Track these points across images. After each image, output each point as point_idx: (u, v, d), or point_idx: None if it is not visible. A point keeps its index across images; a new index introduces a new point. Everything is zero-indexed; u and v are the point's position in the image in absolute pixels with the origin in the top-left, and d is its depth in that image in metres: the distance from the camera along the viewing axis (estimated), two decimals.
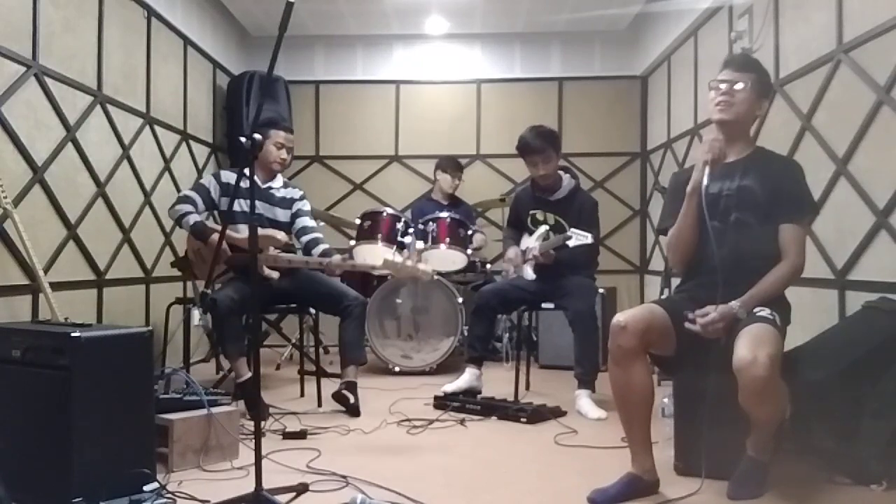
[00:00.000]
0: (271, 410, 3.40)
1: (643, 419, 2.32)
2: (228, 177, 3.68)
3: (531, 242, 3.87)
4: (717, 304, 2.23)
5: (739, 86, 2.39)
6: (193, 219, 3.52)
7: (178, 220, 3.56)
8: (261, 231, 3.49)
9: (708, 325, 2.23)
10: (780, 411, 2.24)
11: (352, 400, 3.46)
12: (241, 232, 3.52)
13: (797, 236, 2.36)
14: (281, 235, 3.53)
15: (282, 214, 3.72)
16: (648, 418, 2.33)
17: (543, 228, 3.86)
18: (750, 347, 2.09)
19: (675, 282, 2.79)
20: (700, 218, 2.33)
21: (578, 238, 3.42)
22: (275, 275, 3.49)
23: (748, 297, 2.27)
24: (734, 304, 2.25)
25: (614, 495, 2.24)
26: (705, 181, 2.27)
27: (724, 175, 2.44)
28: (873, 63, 3.01)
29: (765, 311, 2.25)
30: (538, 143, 3.77)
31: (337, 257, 3.44)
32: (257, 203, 3.43)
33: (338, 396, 3.50)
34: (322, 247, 3.63)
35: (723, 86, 2.42)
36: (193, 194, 3.60)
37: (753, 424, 2.24)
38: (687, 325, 2.27)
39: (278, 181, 3.78)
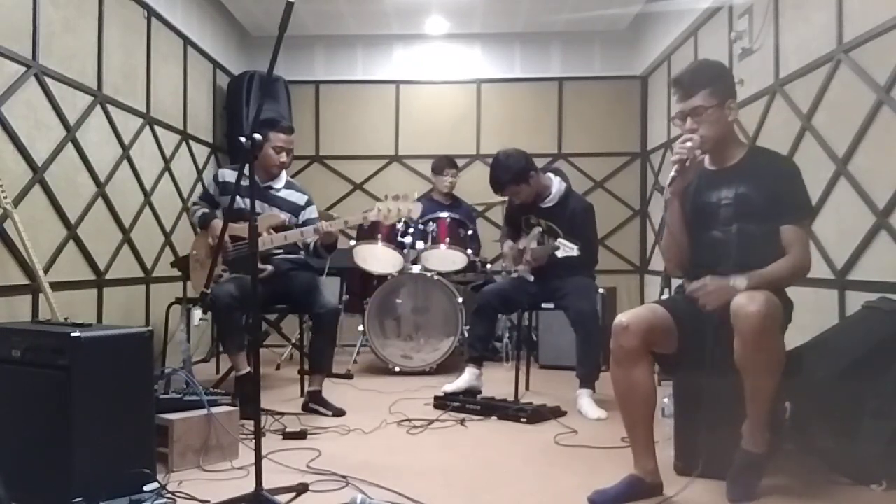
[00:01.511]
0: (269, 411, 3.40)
1: (645, 420, 2.31)
2: (225, 175, 3.76)
3: (526, 244, 3.88)
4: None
5: (701, 107, 2.33)
6: (202, 212, 3.75)
7: (197, 221, 3.80)
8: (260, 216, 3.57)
9: (699, 291, 2.24)
10: (775, 371, 2.16)
11: (322, 410, 3.45)
12: (240, 222, 3.53)
13: (799, 236, 2.33)
14: (284, 215, 3.58)
15: (280, 215, 3.70)
16: (651, 419, 2.32)
17: (537, 230, 3.87)
18: (749, 293, 2.12)
19: (676, 282, 2.79)
20: (684, 219, 2.38)
21: (565, 250, 3.49)
22: (268, 268, 3.49)
23: (751, 273, 2.22)
24: (732, 277, 2.22)
25: (614, 496, 2.23)
26: (672, 174, 2.31)
27: (720, 183, 2.41)
28: (873, 63, 3.01)
29: None
30: (499, 182, 3.78)
31: (324, 223, 3.40)
32: (256, 203, 3.44)
33: (307, 409, 3.49)
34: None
35: (686, 123, 2.36)
36: (201, 202, 3.85)
37: (749, 391, 2.17)
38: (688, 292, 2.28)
39: (280, 181, 3.75)
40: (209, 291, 3.47)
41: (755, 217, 2.34)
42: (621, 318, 2.30)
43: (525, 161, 3.77)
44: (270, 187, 3.71)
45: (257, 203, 3.50)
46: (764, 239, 2.34)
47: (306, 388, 3.59)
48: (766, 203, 2.33)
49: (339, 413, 3.44)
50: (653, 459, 2.31)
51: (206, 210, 3.77)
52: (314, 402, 3.49)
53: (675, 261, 2.50)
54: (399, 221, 3.30)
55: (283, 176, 3.78)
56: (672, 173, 2.33)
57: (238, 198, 3.44)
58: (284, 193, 3.73)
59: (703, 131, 2.34)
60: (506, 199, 4.21)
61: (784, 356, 2.17)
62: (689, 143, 2.31)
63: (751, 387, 2.18)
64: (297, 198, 3.75)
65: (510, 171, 3.73)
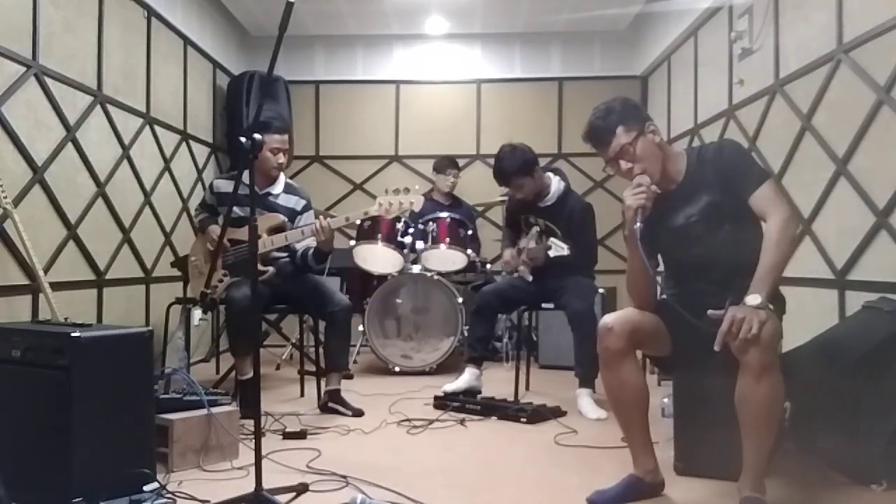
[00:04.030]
0: (270, 410, 3.40)
1: (640, 420, 2.29)
2: (220, 186, 3.74)
3: (526, 243, 3.88)
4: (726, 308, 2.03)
5: (625, 145, 2.26)
6: (202, 216, 3.80)
7: (197, 225, 3.88)
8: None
9: (732, 329, 1.96)
10: (778, 407, 2.07)
11: (342, 410, 3.46)
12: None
13: (767, 195, 2.19)
14: (281, 217, 3.55)
15: (279, 216, 3.67)
16: (645, 419, 2.30)
17: (535, 230, 3.88)
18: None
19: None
20: (643, 259, 2.20)
21: (556, 249, 3.51)
22: (269, 269, 3.49)
23: (758, 281, 2.04)
24: (747, 299, 2.01)
25: (613, 497, 2.23)
26: (638, 224, 2.17)
27: (680, 203, 2.33)
28: (873, 63, 3.01)
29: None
30: (506, 174, 3.76)
31: (322, 219, 3.35)
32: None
33: (327, 410, 3.49)
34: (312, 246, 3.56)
35: (621, 166, 2.29)
36: (201, 209, 3.88)
37: (749, 436, 2.06)
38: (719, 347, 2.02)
39: (278, 186, 3.69)
40: (209, 292, 3.48)
41: (729, 216, 2.29)
42: (606, 319, 2.27)
43: (531, 154, 3.79)
44: (269, 194, 3.65)
45: (256, 210, 3.53)
46: (746, 230, 2.28)
47: (324, 388, 3.58)
48: (729, 195, 2.27)
49: (358, 413, 3.43)
50: (652, 458, 2.30)
51: (206, 215, 3.80)
52: (334, 402, 3.48)
53: (639, 295, 2.36)
54: (404, 214, 3.30)
55: (282, 180, 3.73)
56: (638, 223, 2.17)
57: (236, 207, 3.42)
58: (283, 199, 3.68)
59: (643, 165, 2.25)
60: (505, 198, 4.21)
61: (783, 395, 2.05)
62: (643, 189, 2.20)
63: (750, 428, 2.05)
64: (295, 202, 3.69)
65: (516, 162, 3.74)
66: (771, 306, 2.10)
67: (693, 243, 2.32)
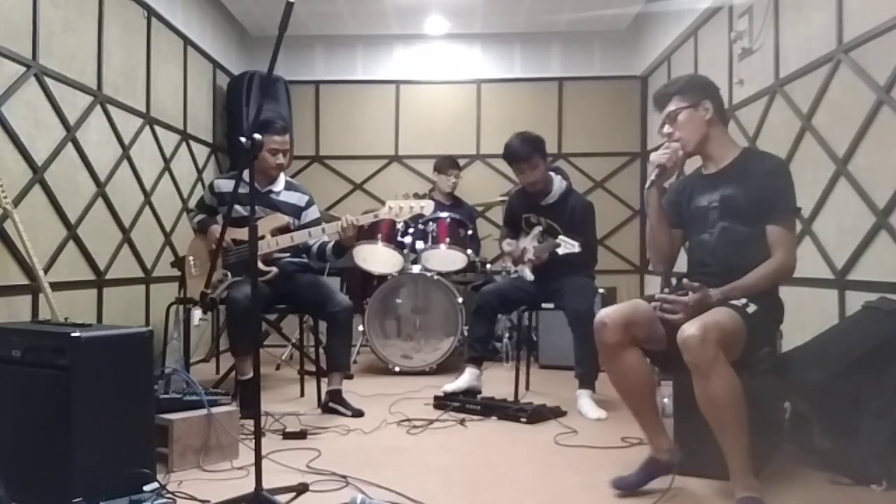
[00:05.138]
0: (270, 410, 3.40)
1: (648, 404, 2.37)
2: (221, 185, 3.74)
3: (527, 243, 3.88)
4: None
5: (673, 111, 2.47)
6: (200, 217, 3.79)
7: (196, 226, 3.84)
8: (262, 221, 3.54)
9: (677, 305, 2.23)
10: (735, 405, 2.09)
11: (342, 410, 3.46)
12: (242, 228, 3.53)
13: (782, 236, 2.35)
14: (285, 218, 3.56)
15: (284, 218, 3.66)
16: (654, 402, 2.39)
17: (537, 230, 3.87)
18: (695, 321, 2.11)
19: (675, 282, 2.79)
20: (662, 214, 2.51)
21: (566, 246, 3.52)
22: (272, 269, 3.48)
23: (728, 288, 2.27)
24: (712, 291, 2.24)
25: (635, 480, 2.29)
26: (652, 177, 2.49)
27: (710, 187, 2.48)
28: (873, 63, 3.01)
29: (740, 302, 2.25)
30: (524, 150, 3.74)
31: (331, 225, 3.43)
32: (258, 209, 3.44)
33: (327, 410, 3.50)
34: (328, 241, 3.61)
35: (665, 130, 2.51)
36: (198, 209, 3.87)
37: (720, 438, 2.13)
38: (658, 313, 2.30)
39: (280, 184, 3.70)
40: (210, 292, 3.48)
41: (741, 218, 2.38)
42: (600, 315, 2.35)
43: (542, 139, 3.83)
44: (270, 191, 3.66)
45: (259, 209, 3.54)
46: (749, 239, 2.37)
47: (325, 388, 3.58)
48: (752, 203, 2.36)
49: (358, 414, 3.43)
50: (666, 438, 2.36)
51: (205, 216, 3.78)
52: (335, 402, 3.48)
53: (657, 253, 2.60)
54: (412, 217, 3.40)
55: (283, 178, 3.74)
56: (652, 177, 2.48)
57: (239, 207, 3.43)
58: (284, 196, 3.69)
59: (680, 133, 2.46)
60: (505, 198, 4.20)
61: (739, 389, 2.10)
62: (668, 151, 2.44)
63: (718, 430, 2.13)
64: (298, 199, 3.71)
65: (529, 143, 3.75)
66: (750, 310, 2.22)
67: (705, 228, 2.46)
